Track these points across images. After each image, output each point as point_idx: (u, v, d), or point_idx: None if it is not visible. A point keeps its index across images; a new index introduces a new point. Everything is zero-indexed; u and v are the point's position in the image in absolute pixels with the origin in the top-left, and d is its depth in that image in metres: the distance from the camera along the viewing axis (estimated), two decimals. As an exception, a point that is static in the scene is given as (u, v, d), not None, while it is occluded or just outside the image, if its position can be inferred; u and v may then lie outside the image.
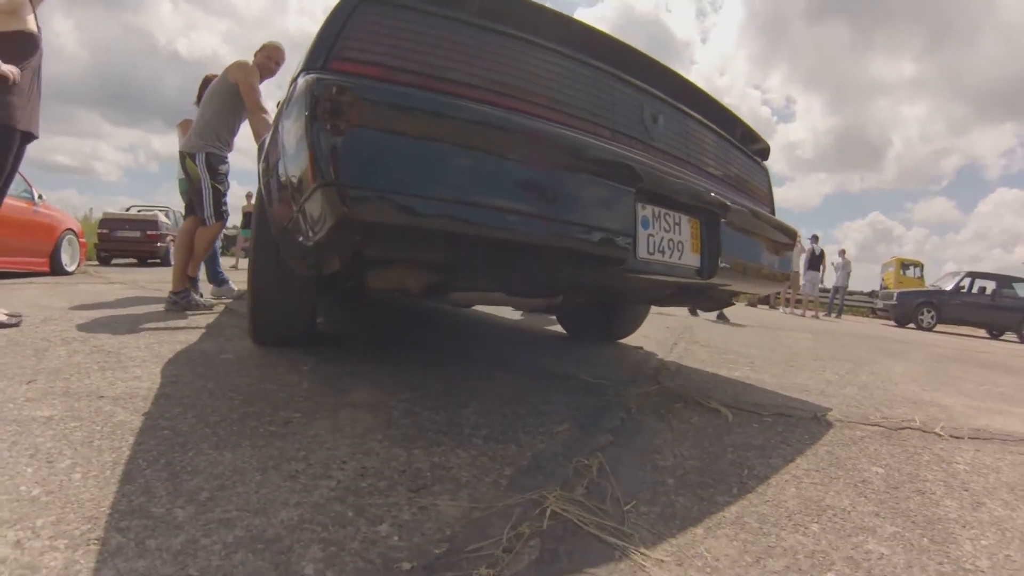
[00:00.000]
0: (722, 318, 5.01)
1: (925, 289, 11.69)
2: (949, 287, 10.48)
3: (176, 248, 2.88)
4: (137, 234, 8.53)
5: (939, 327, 10.14)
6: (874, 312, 13.81)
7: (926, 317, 10.18)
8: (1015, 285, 10.15)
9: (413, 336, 2.47)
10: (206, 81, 3.43)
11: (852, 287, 12.29)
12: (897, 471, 1.15)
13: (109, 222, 8.64)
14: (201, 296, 2.87)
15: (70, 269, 5.17)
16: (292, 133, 0.97)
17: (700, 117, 1.56)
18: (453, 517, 0.82)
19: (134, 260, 8.84)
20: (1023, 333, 9.66)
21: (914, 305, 10.36)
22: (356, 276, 1.41)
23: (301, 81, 0.96)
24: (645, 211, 1.24)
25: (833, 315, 10.41)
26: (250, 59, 2.77)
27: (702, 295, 1.70)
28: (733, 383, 1.97)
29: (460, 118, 0.97)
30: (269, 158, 1.35)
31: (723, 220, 1.42)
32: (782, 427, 1.41)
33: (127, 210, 9.83)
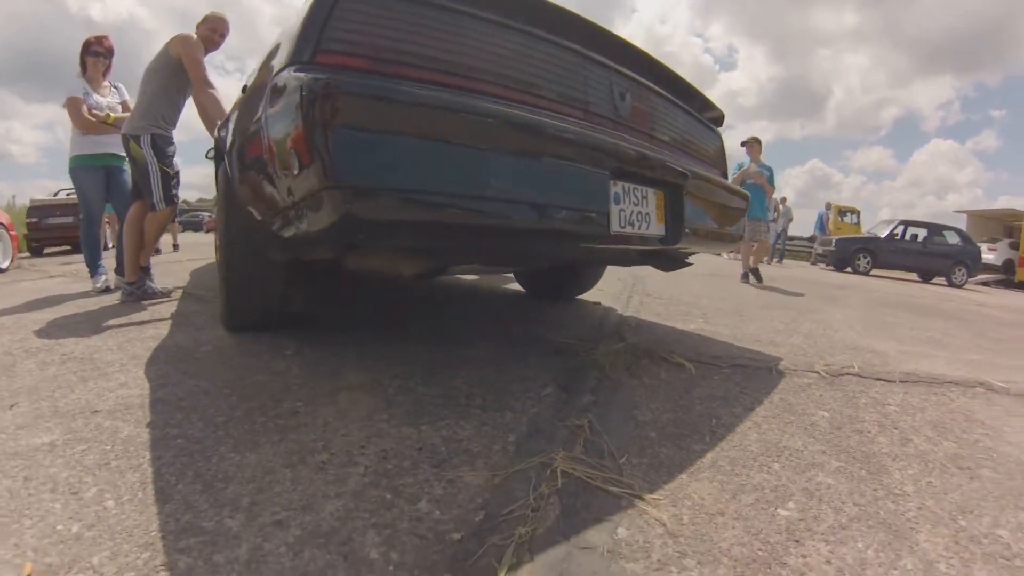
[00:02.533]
0: (756, 276, 5.01)
1: (861, 236, 12.26)
2: (884, 234, 11.21)
3: (125, 236, 2.65)
4: (70, 219, 7.79)
5: (874, 272, 10.87)
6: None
7: (862, 263, 10.93)
8: (945, 233, 11.08)
9: (383, 309, 2.49)
10: (86, 46, 3.01)
11: (793, 232, 13.20)
12: (839, 414, 1.40)
13: (38, 210, 7.86)
14: (155, 284, 2.74)
15: (3, 266, 4.79)
16: (283, 130, 0.95)
17: (662, 91, 1.65)
18: (478, 486, 0.94)
19: (68, 248, 8.09)
20: (951, 278, 10.57)
21: (851, 251, 11.19)
22: (335, 259, 1.42)
23: (291, 77, 0.93)
24: (616, 187, 1.33)
25: (775, 260, 11.25)
26: (191, 32, 2.55)
27: (662, 257, 1.86)
28: (691, 336, 2.21)
29: (455, 111, 1.00)
30: (243, 147, 1.30)
31: (685, 191, 1.56)
32: (740, 378, 1.64)
33: (55, 195, 8.90)
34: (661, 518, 0.87)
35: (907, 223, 11.56)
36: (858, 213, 16.81)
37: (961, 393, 1.64)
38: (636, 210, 1.42)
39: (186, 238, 10.30)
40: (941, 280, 10.71)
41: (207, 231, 16.03)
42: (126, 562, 0.72)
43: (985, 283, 12.23)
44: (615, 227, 1.33)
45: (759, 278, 5.04)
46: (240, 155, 1.35)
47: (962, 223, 14.53)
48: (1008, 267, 13.14)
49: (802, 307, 3.48)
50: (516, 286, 3.25)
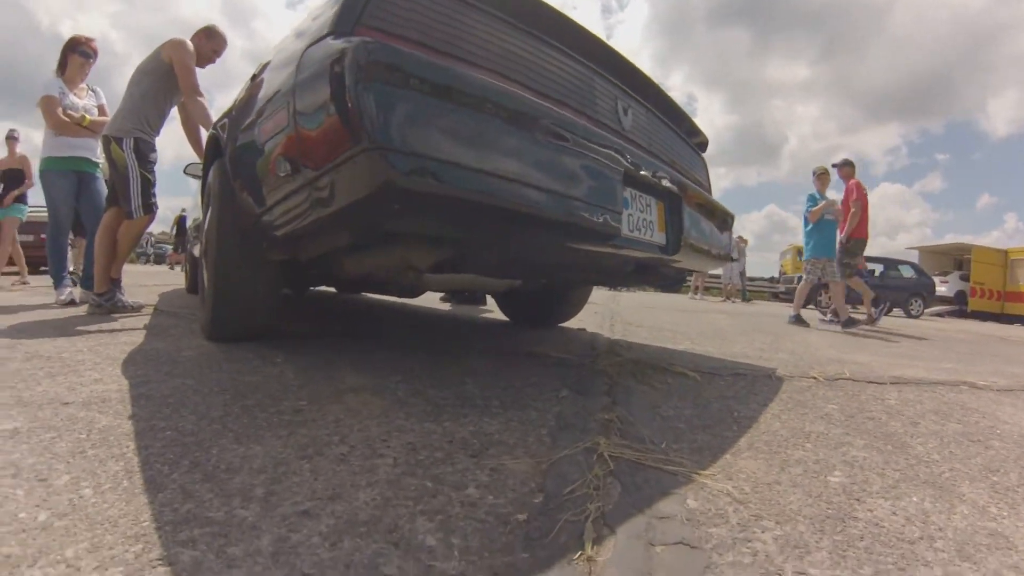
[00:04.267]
0: (850, 323, 4.58)
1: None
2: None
3: (98, 245, 2.47)
4: (30, 238, 7.16)
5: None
6: (776, 296, 15.56)
7: (824, 298, 11.89)
8: (900, 267, 12.20)
9: (363, 328, 2.39)
10: (74, 44, 2.91)
11: (753, 274, 13.88)
12: (847, 406, 1.46)
13: None
14: (126, 297, 2.56)
15: None
16: (321, 94, 0.94)
17: (657, 112, 1.78)
18: (526, 472, 0.88)
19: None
20: (908, 309, 11.56)
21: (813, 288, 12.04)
22: (333, 261, 1.38)
23: (331, 44, 0.94)
24: (626, 193, 1.40)
25: (735, 299, 11.67)
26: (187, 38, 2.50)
27: (656, 272, 1.92)
28: (683, 354, 2.25)
29: (501, 95, 1.03)
30: (256, 129, 1.26)
31: (684, 203, 1.65)
32: (743, 383, 1.68)
33: None
34: (725, 488, 0.86)
35: (864, 259, 12.59)
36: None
37: (949, 390, 1.76)
38: (642, 216, 1.48)
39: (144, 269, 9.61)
40: (899, 312, 11.54)
41: (171, 265, 14.94)
42: (110, 555, 0.60)
43: (939, 314, 13.35)
44: (625, 230, 1.38)
45: (803, 322, 4.67)
46: (249, 144, 1.31)
47: (914, 258, 15.62)
48: (960, 298, 14.46)
49: (779, 332, 3.67)
50: (494, 315, 3.23)
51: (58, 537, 0.63)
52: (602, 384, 1.51)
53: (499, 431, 1.07)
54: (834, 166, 5.50)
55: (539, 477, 0.87)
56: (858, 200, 5.14)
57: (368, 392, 1.25)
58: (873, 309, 5.40)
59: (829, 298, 5.01)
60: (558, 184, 1.14)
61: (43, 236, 7.24)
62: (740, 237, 12.21)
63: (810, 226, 4.86)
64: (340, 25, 1.00)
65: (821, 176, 4.99)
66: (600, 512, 0.76)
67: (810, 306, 11.99)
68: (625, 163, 1.36)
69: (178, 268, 13.87)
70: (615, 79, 1.57)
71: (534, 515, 0.75)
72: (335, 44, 0.94)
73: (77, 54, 2.97)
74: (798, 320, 4.76)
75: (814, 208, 4.79)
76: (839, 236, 5.13)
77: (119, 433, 0.92)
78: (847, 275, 5.29)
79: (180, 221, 15.33)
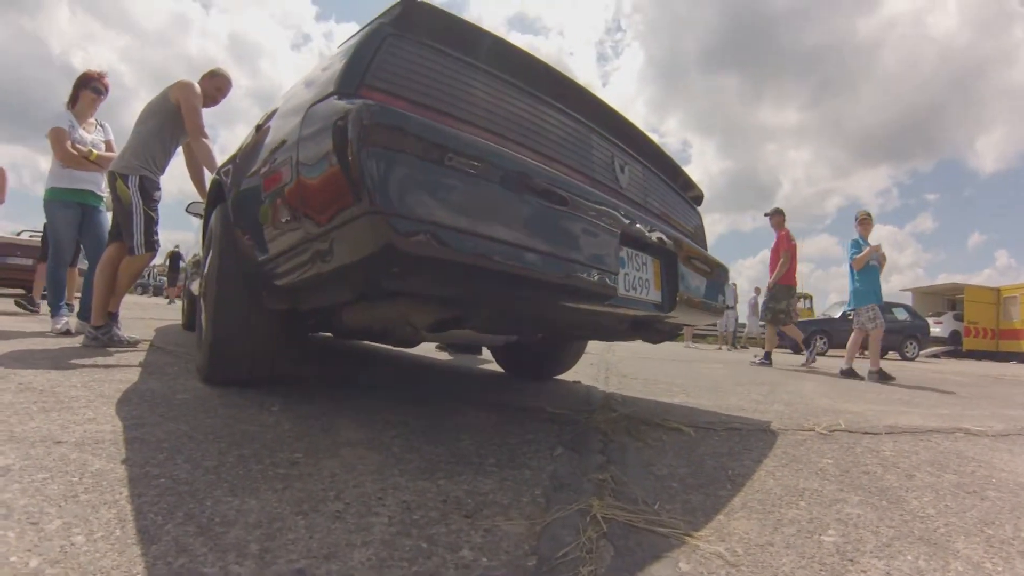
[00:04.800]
0: (883, 377, 4.31)
1: (816, 319, 13.32)
2: (838, 315, 12.10)
3: (98, 278, 2.52)
4: (29, 262, 7.21)
5: (831, 351, 11.51)
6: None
7: (819, 344, 11.69)
8: (893, 310, 12.16)
9: (361, 376, 2.40)
10: (86, 80, 3.05)
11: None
12: (842, 460, 1.47)
13: None
14: (122, 332, 2.59)
15: None
16: (323, 154, 0.99)
17: (653, 167, 1.86)
18: (520, 534, 0.89)
19: (22, 291, 7.36)
20: (903, 352, 11.53)
21: (808, 333, 12.04)
22: (332, 312, 1.42)
23: (335, 104, 1.01)
24: (623, 252, 1.44)
25: (737, 346, 11.70)
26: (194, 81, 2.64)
27: (651, 328, 1.96)
28: (678, 407, 2.26)
29: (501, 159, 1.09)
30: (259, 180, 1.32)
31: (679, 260, 1.71)
32: (738, 438, 1.68)
33: (18, 234, 8.40)
34: (717, 551, 0.86)
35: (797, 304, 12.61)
36: (811, 298, 18.19)
37: (944, 438, 1.77)
38: (638, 275, 1.53)
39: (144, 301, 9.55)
40: (894, 355, 11.50)
41: (170, 299, 15.06)
42: (104, 610, 0.60)
43: (935, 355, 13.27)
44: (622, 289, 1.42)
45: (885, 376, 4.27)
46: (252, 191, 1.36)
47: (908, 300, 15.85)
48: (955, 338, 14.48)
49: (774, 382, 3.67)
50: (491, 366, 3.24)
51: (49, 586, 0.63)
52: (597, 442, 1.52)
53: (494, 490, 1.07)
54: (766, 215, 5.87)
55: (533, 539, 0.87)
56: (787, 250, 5.51)
57: (364, 447, 1.26)
58: (805, 351, 5.69)
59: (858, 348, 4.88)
60: (557, 247, 1.18)
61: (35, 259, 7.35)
62: (733, 283, 12.34)
63: (856, 274, 4.72)
64: (344, 85, 1.05)
65: (863, 221, 4.85)
66: None
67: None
68: (622, 222, 1.41)
69: (178, 301, 14.02)
70: (612, 136, 1.64)
71: (528, 578, 0.76)
72: (339, 104, 0.99)
73: (90, 90, 3.10)
74: (882, 376, 4.34)
75: (859, 256, 4.67)
76: (768, 281, 5.42)
77: (112, 478, 0.93)
78: (783, 322, 5.66)
79: (173, 256, 15.59)
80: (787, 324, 5.76)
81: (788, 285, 5.67)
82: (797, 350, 11.77)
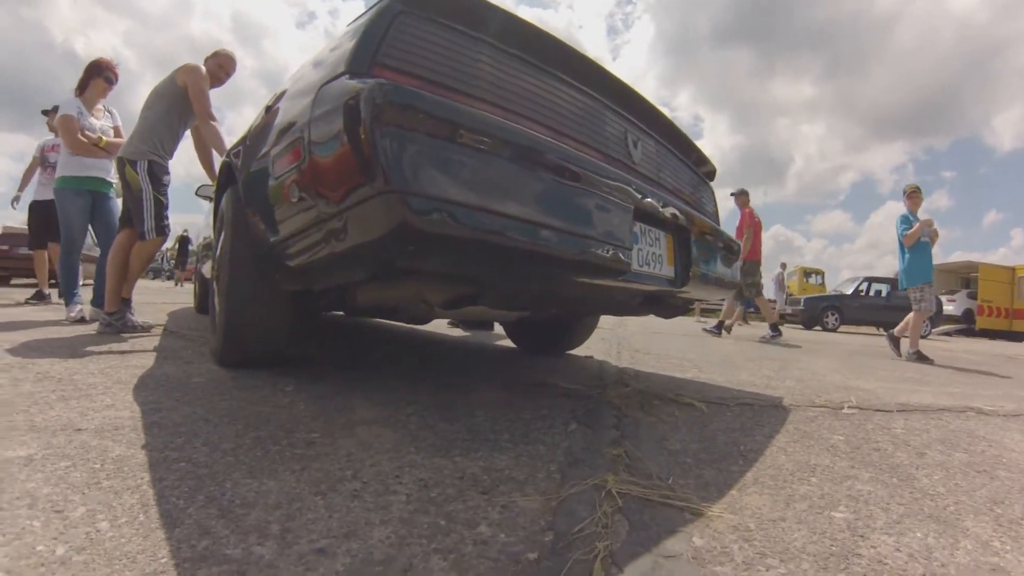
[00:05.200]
0: (922, 358, 4.20)
1: (828, 295, 13.16)
2: (849, 291, 12.05)
3: (110, 265, 2.55)
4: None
5: (842, 328, 11.50)
6: (782, 317, 15.59)
7: (830, 319, 11.58)
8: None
9: (374, 355, 2.43)
10: (98, 68, 3.04)
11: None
12: (853, 437, 1.48)
13: (9, 238, 7.72)
14: (136, 317, 2.64)
15: None
16: (336, 133, 0.99)
17: (666, 142, 1.83)
18: (536, 509, 0.91)
19: (36, 282, 7.63)
20: None
21: (819, 309, 11.77)
22: (346, 291, 1.43)
23: (348, 84, 0.99)
24: (636, 228, 1.43)
25: (741, 323, 11.66)
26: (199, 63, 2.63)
27: (664, 303, 1.96)
28: (691, 383, 2.27)
29: (515, 136, 1.08)
30: (270, 161, 1.31)
31: (692, 235, 1.69)
32: (750, 414, 1.70)
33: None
34: (730, 525, 0.88)
35: (871, 279, 12.42)
36: (823, 274, 18.01)
37: (955, 417, 1.78)
38: (651, 251, 1.52)
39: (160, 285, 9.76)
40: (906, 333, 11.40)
41: (179, 283, 15.73)
42: (133, 595, 0.62)
43: (947, 333, 13.20)
44: (635, 265, 1.41)
45: (923, 358, 4.17)
46: (262, 173, 1.36)
47: None
48: (968, 316, 14.38)
49: (785, 358, 3.68)
50: (505, 342, 3.27)
51: (77, 572, 0.66)
52: (610, 417, 1.54)
53: (509, 466, 1.09)
54: (732, 195, 6.15)
55: (549, 515, 0.89)
56: (751, 227, 5.83)
57: (379, 425, 1.29)
58: (771, 333, 5.78)
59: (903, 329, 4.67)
60: (572, 223, 1.18)
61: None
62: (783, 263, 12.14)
63: (906, 251, 4.50)
64: (355, 64, 1.04)
65: (912, 195, 4.63)
66: (608, 551, 0.78)
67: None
68: (636, 197, 1.40)
69: (187, 284, 14.49)
70: (624, 111, 1.62)
71: (545, 554, 0.78)
72: (351, 84, 0.99)
73: (102, 79, 3.10)
74: (920, 357, 4.24)
75: (909, 232, 4.44)
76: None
77: (133, 464, 0.95)
78: (754, 295, 5.93)
79: (182, 240, 15.83)
80: (758, 296, 6.04)
81: (754, 260, 5.94)
82: (809, 325, 11.71)
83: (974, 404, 1.98)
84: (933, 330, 11.65)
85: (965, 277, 16.09)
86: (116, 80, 3.17)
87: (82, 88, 3.08)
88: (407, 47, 1.08)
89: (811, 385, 2.37)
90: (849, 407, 1.87)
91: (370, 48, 1.05)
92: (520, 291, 1.36)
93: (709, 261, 1.85)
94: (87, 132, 3.00)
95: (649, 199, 1.48)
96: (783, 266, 12.07)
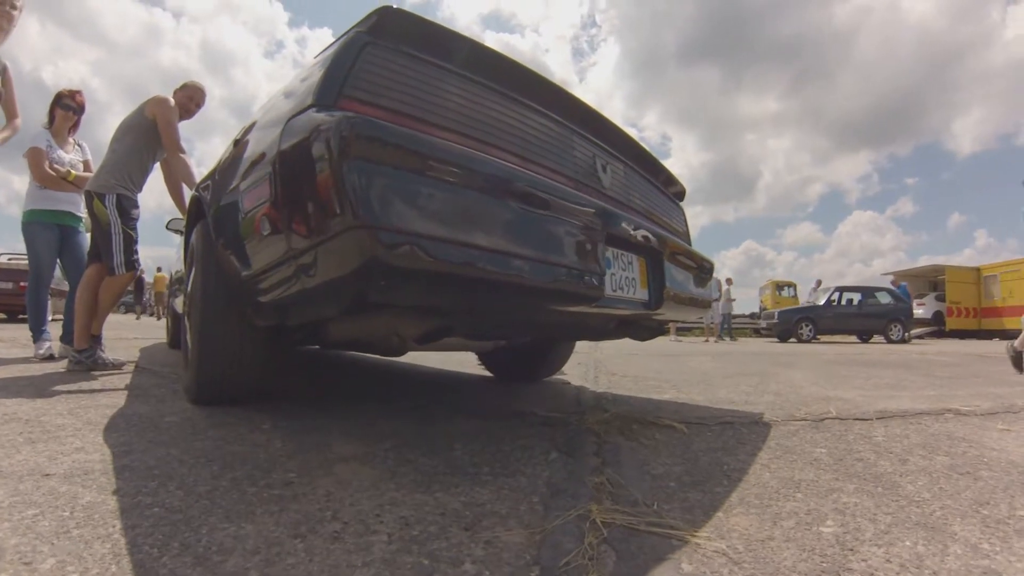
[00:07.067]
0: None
1: (801, 306, 13.47)
2: (822, 302, 12.35)
3: (79, 301, 2.49)
4: (9, 285, 7.28)
5: (817, 338, 11.76)
6: (758, 332, 15.42)
7: (805, 331, 11.80)
8: (877, 294, 12.39)
9: (349, 387, 2.39)
10: (58, 98, 3.02)
11: (735, 311, 14.07)
12: (835, 449, 1.50)
13: (15, 274, 7.58)
14: (106, 354, 2.57)
15: None
16: (304, 168, 0.99)
17: (635, 165, 1.88)
18: (520, 544, 0.89)
19: (3, 317, 7.27)
20: (888, 335, 11.68)
21: (793, 321, 11.97)
22: (318, 327, 1.41)
23: (315, 117, 1.00)
24: (608, 252, 1.45)
25: (723, 339, 11.75)
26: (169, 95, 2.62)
27: (639, 326, 1.98)
28: (669, 404, 2.28)
29: (481, 170, 1.09)
30: (238, 197, 1.30)
31: (664, 257, 1.72)
32: (731, 432, 1.71)
33: None
34: (719, 548, 0.88)
35: (842, 289, 12.82)
36: (795, 286, 18.47)
37: (934, 420, 1.83)
38: (624, 275, 1.54)
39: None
40: (879, 338, 11.76)
41: (138, 316, 16.41)
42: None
43: (919, 336, 13.60)
44: (608, 290, 1.43)
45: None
46: (232, 207, 1.34)
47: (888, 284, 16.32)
48: (938, 319, 14.86)
49: (763, 373, 3.72)
50: (478, 371, 3.23)
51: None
52: (591, 444, 1.53)
53: (491, 500, 1.07)
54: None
55: (533, 549, 0.88)
56: None
57: (358, 461, 1.26)
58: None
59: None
60: (543, 251, 1.19)
61: (23, 284, 7.47)
62: (728, 279, 12.40)
63: None
64: (323, 96, 1.05)
65: None
66: (597, 582, 0.77)
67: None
68: (607, 223, 1.42)
69: (144, 318, 15.23)
70: (592, 136, 1.65)
71: (531, 590, 0.76)
72: (318, 116, 0.99)
73: (61, 107, 3.07)
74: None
75: None
76: None
77: (104, 511, 0.91)
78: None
79: (137, 281, 15.85)
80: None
81: None
82: (784, 337, 11.98)
83: (951, 406, 2.04)
84: (906, 334, 12.04)
85: (933, 280, 16.75)
86: (79, 108, 3.15)
87: (51, 120, 3.06)
88: (375, 78, 1.09)
89: (790, 399, 2.41)
90: (829, 418, 1.90)
91: (337, 80, 1.06)
92: (494, 322, 1.36)
93: (683, 281, 1.88)
94: (56, 165, 2.97)
95: (621, 223, 1.50)
96: (729, 281, 12.37)
